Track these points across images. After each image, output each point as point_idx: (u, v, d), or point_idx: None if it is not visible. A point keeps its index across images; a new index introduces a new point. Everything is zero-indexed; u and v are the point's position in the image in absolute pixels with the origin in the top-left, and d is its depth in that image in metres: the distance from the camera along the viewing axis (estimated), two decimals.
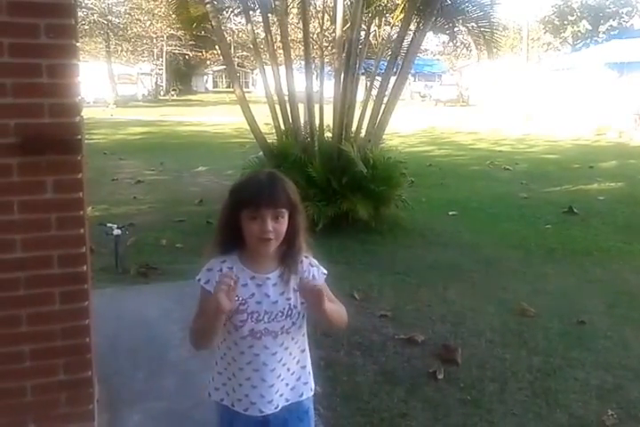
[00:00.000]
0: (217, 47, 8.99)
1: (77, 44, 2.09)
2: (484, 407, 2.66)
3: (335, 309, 1.56)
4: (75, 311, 2.14)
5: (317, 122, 6.17)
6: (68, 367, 2.16)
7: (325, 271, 1.63)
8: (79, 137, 2.07)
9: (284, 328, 1.55)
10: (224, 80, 47.45)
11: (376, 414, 2.59)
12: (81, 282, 2.14)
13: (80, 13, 23.92)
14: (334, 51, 6.90)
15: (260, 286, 1.53)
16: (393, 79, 6.24)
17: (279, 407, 1.59)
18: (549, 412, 2.64)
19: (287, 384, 1.60)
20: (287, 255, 1.55)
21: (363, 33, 6.40)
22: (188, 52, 33.96)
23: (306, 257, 1.60)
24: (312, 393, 1.66)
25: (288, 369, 1.60)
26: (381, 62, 6.81)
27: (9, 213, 2.01)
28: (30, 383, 2.13)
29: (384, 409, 2.63)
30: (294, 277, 1.55)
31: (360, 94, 6.24)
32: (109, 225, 4.60)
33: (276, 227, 1.49)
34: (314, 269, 1.59)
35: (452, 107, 29.07)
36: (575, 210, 6.70)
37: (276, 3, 6.47)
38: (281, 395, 1.59)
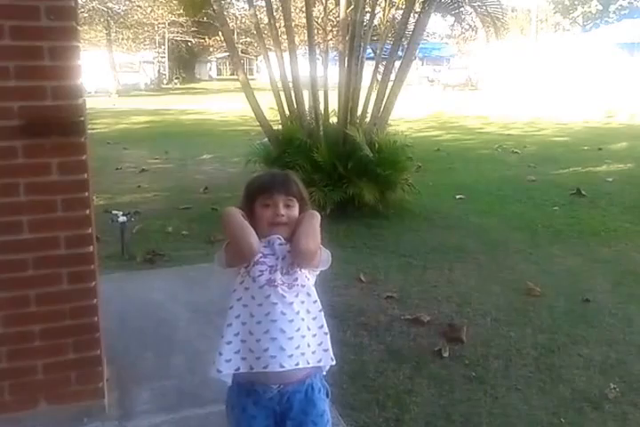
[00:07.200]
0: (220, 33, 8.92)
1: (78, 27, 2.10)
2: (489, 383, 2.69)
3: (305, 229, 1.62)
4: (82, 291, 2.18)
5: (322, 107, 6.14)
6: (77, 346, 2.21)
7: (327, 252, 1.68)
8: (82, 118, 2.09)
9: (297, 280, 1.61)
10: (228, 67, 47.07)
11: (382, 391, 2.62)
12: (88, 262, 2.18)
13: (79, 1, 23.69)
14: (339, 34, 6.84)
15: (282, 246, 1.62)
16: (398, 62, 6.19)
17: (299, 365, 1.59)
18: (553, 387, 2.67)
19: (308, 344, 1.61)
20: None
21: (367, 15, 6.34)
22: (191, 39, 33.57)
23: None
24: (333, 362, 1.66)
25: (308, 328, 1.61)
26: (387, 45, 6.74)
27: (15, 195, 2.05)
28: (41, 362, 2.18)
29: (390, 386, 2.66)
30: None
31: (365, 79, 6.19)
32: (115, 212, 4.58)
33: (289, 213, 1.61)
34: None
35: (461, 91, 28.78)
36: (583, 192, 6.65)
37: None
38: (302, 353, 1.60)
